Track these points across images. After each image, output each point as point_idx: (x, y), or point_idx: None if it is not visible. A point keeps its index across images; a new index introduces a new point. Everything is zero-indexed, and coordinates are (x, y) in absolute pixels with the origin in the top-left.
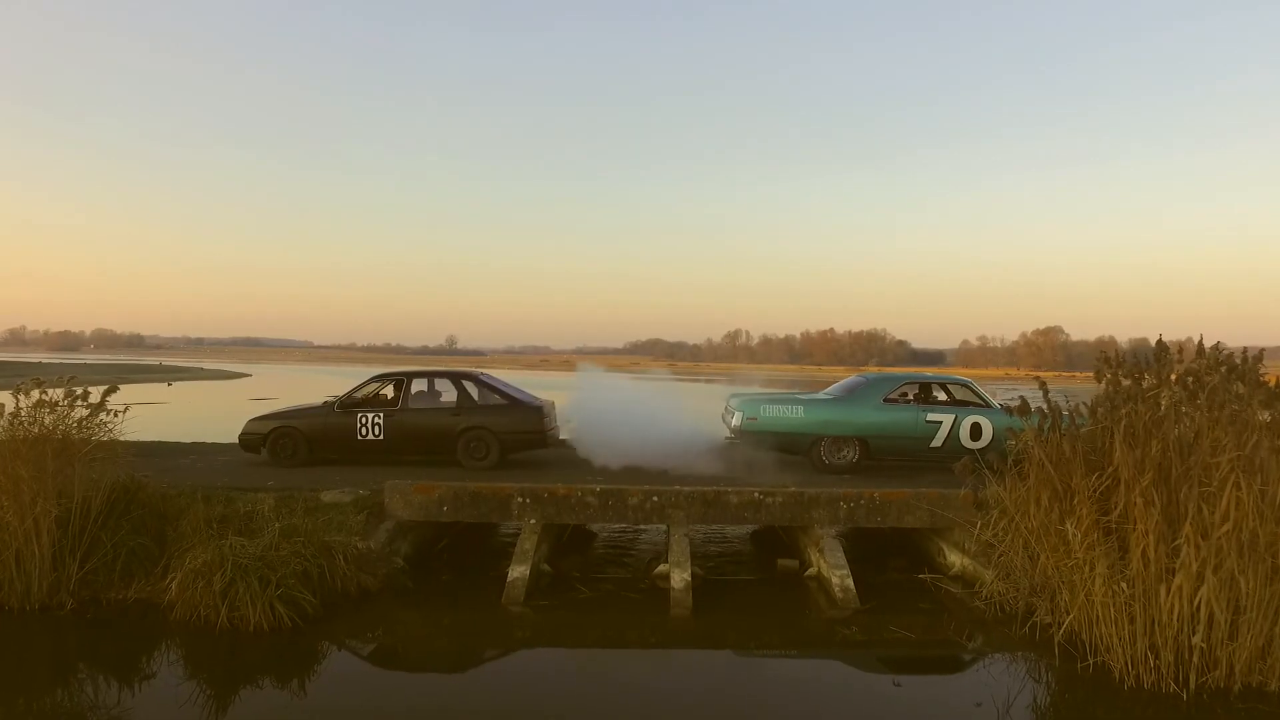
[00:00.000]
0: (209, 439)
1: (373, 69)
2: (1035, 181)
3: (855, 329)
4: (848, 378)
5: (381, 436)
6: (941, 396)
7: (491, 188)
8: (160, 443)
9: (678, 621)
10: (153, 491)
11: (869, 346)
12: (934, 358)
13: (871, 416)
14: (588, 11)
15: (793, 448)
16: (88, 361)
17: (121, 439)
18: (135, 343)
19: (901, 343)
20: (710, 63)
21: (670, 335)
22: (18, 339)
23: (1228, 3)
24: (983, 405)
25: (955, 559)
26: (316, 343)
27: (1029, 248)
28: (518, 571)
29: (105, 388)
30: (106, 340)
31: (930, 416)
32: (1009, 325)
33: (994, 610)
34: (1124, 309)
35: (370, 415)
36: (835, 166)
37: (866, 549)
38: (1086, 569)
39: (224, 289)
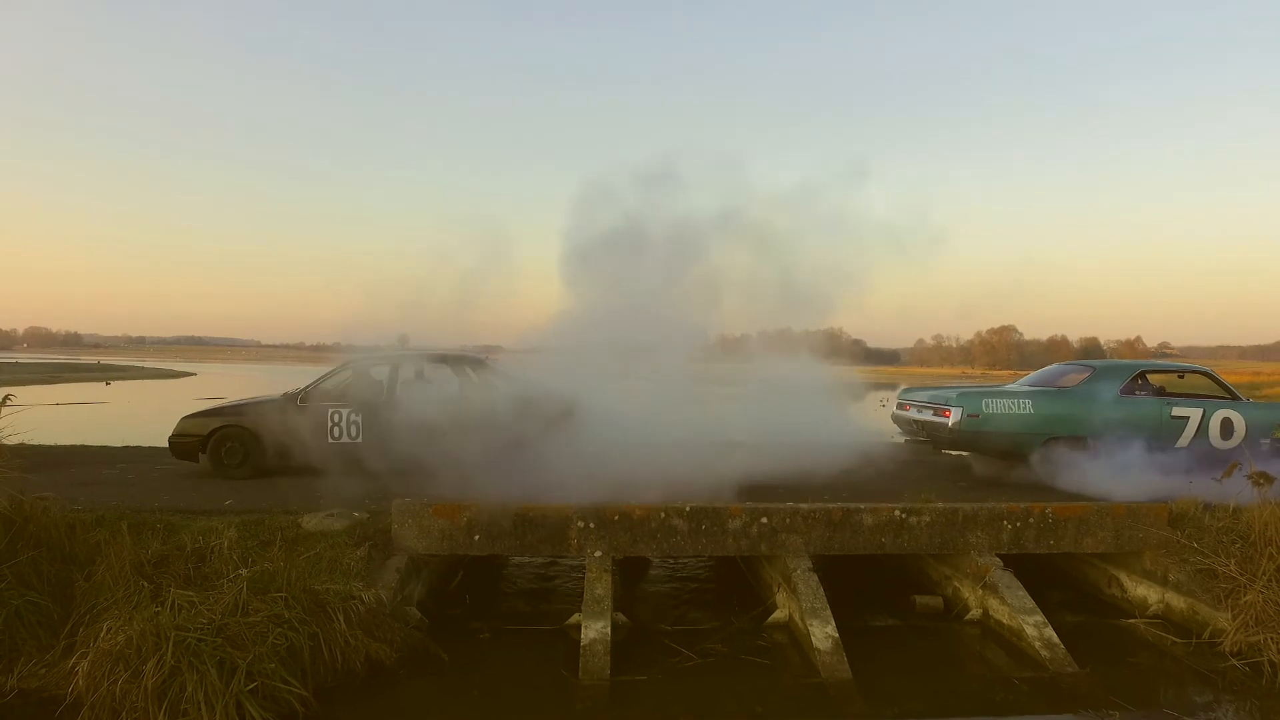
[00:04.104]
0: (148, 443)
1: (341, 64)
2: (987, 180)
3: (811, 328)
4: (1050, 366)
5: (360, 438)
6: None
7: (436, 186)
8: (82, 447)
9: (837, 695)
10: (54, 520)
11: (824, 345)
12: (889, 357)
13: (1110, 411)
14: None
15: (1019, 449)
16: (20, 360)
17: (6, 441)
18: (72, 341)
19: (857, 341)
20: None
21: None
22: None
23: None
24: (1231, 397)
25: (1149, 593)
26: (264, 341)
27: (981, 247)
28: (594, 629)
29: None
30: (41, 339)
31: (1176, 411)
32: (963, 324)
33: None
34: (1075, 309)
35: (345, 411)
36: (796, 161)
37: None
38: None
39: (166, 287)
